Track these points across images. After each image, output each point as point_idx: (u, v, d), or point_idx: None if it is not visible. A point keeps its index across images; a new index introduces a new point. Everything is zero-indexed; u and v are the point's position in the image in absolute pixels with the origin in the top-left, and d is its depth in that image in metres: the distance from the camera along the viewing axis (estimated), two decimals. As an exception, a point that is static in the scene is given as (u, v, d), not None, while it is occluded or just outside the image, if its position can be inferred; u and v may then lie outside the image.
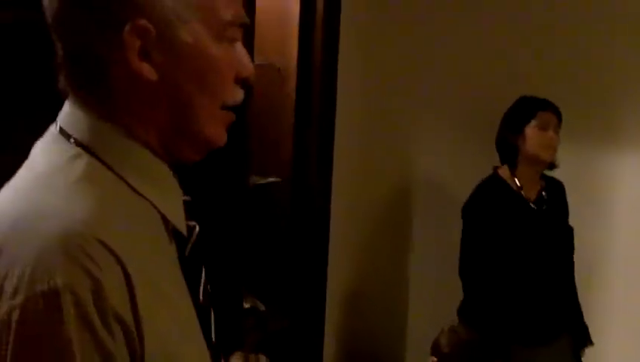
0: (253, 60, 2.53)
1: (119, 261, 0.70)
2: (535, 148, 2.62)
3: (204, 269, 0.87)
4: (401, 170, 3.54)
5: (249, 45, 2.43)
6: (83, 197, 0.73)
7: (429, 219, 3.48)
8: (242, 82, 0.86)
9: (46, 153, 0.80)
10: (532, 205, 2.67)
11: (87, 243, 0.69)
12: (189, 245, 0.84)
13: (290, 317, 2.86)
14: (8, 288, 0.68)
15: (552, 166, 2.72)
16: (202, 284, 0.87)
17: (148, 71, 0.78)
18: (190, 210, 0.84)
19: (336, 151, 3.03)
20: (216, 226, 2.29)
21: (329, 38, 2.91)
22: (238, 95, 0.86)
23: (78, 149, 0.77)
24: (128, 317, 0.70)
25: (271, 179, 2.82)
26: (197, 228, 0.84)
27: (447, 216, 3.35)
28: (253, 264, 2.78)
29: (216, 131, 0.85)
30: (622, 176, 3.14)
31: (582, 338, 2.78)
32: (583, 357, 2.80)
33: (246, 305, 2.66)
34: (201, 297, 0.86)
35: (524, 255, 2.64)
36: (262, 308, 2.73)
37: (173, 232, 0.82)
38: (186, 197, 0.83)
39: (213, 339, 0.89)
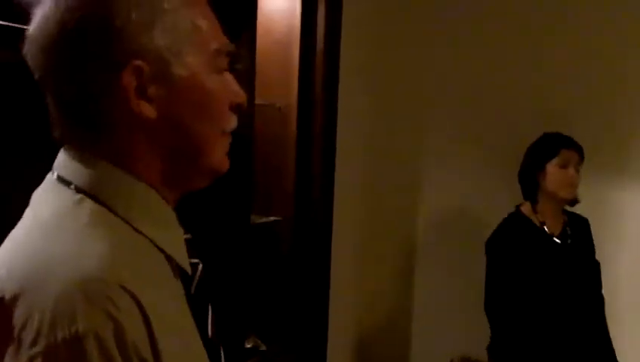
0: (254, 101, 2.56)
1: (138, 303, 0.71)
2: (555, 186, 2.64)
3: (210, 306, 0.87)
4: (406, 208, 3.55)
5: (250, 86, 2.46)
6: (94, 240, 0.74)
7: (434, 259, 3.48)
8: (236, 108, 0.89)
9: (49, 200, 0.80)
10: (556, 239, 2.68)
11: (107, 287, 0.70)
12: (194, 282, 0.85)
13: (292, 357, 2.84)
14: (27, 337, 0.68)
15: (574, 202, 2.73)
16: (210, 320, 0.89)
17: (147, 109, 0.79)
18: (193, 248, 0.85)
19: (338, 189, 3.04)
20: (218, 265, 2.29)
21: (329, 76, 2.94)
22: (233, 121, 0.89)
23: (81, 195, 0.78)
24: (149, 356, 0.71)
25: (272, 218, 2.83)
26: (200, 266, 0.85)
27: (453, 257, 3.36)
28: (255, 303, 2.77)
29: (220, 157, 0.87)
30: (629, 202, 3.14)
31: None
32: None
33: (248, 345, 2.65)
34: (209, 333, 0.88)
35: (550, 289, 2.61)
36: (263, 347, 2.72)
37: (178, 270, 0.83)
38: (188, 235, 0.84)
39: None
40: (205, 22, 0.84)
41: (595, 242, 2.81)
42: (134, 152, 0.81)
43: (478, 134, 3.33)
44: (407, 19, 3.44)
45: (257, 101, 2.61)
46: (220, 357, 0.89)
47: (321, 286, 2.99)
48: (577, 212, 2.81)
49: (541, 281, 2.62)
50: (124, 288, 0.70)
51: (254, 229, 2.62)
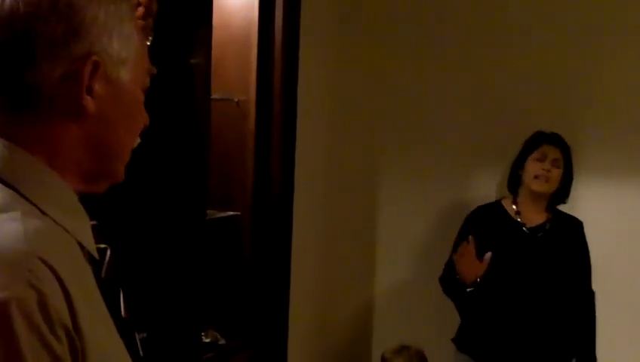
0: (210, 95, 2.55)
1: (57, 276, 0.74)
2: (528, 178, 2.70)
3: (121, 290, 0.89)
4: (367, 200, 3.56)
5: (206, 80, 2.46)
6: (7, 221, 0.76)
7: (395, 253, 3.50)
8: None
9: None
10: (525, 229, 2.71)
11: (26, 259, 0.73)
12: (104, 267, 0.86)
13: (252, 350, 2.84)
14: None
15: (560, 198, 2.75)
16: (122, 303, 0.91)
17: (90, 103, 0.83)
18: (99, 234, 0.86)
19: (298, 184, 3.04)
20: (173, 259, 2.29)
21: (288, 70, 2.94)
22: (138, 140, 0.95)
23: None
24: (70, 325, 0.74)
25: (231, 213, 2.82)
26: (109, 251, 0.86)
27: (414, 250, 3.39)
28: (214, 298, 2.77)
29: (123, 169, 0.92)
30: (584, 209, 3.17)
31: None
32: None
33: (206, 340, 2.64)
34: (123, 313, 0.91)
35: (511, 279, 2.65)
36: (222, 341, 2.71)
37: (88, 256, 0.85)
38: (94, 222, 0.86)
39: (141, 353, 0.93)
40: (144, 44, 0.94)
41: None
42: (58, 142, 0.83)
43: (436, 125, 3.37)
44: (367, 14, 3.46)
45: (214, 95, 2.61)
46: (135, 339, 0.89)
47: (282, 281, 2.99)
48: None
49: (502, 267, 2.64)
50: (43, 261, 0.73)
51: (212, 224, 2.61)
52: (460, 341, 2.81)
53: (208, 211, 2.54)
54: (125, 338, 0.87)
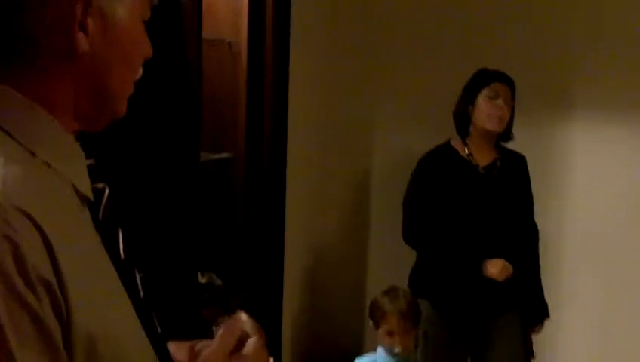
0: (202, 36, 2.51)
1: (37, 226, 0.69)
2: (483, 117, 2.66)
3: (120, 231, 0.88)
4: (360, 146, 3.56)
5: (197, 20, 2.42)
6: None
7: (390, 195, 3.50)
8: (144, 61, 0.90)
9: None
10: (480, 170, 2.70)
11: (3, 210, 0.68)
12: (101, 207, 0.85)
13: (248, 291, 2.87)
14: None
15: (506, 137, 2.74)
16: (122, 245, 0.87)
17: (83, 42, 0.78)
18: (97, 173, 0.85)
19: (291, 125, 3.03)
20: (167, 201, 2.29)
21: (280, 10, 2.90)
22: (140, 72, 0.90)
23: None
24: (51, 279, 0.69)
25: (224, 155, 2.82)
26: (107, 191, 0.85)
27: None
28: (210, 240, 2.79)
29: (124, 104, 0.88)
30: (576, 152, 3.20)
31: (536, 314, 2.80)
32: (537, 332, 2.83)
33: (202, 280, 2.67)
34: (122, 254, 0.87)
35: (470, 219, 2.67)
36: (218, 282, 2.74)
37: (84, 197, 0.83)
38: (90, 161, 0.84)
39: (141, 294, 0.89)
40: None
41: (541, 180, 2.84)
42: (53, 87, 0.79)
43: (432, 74, 3.34)
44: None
45: (206, 36, 2.57)
46: (135, 279, 0.88)
47: (276, 222, 3.01)
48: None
49: (460, 208, 2.66)
50: (22, 211, 0.69)
51: (205, 166, 2.61)
52: (415, 286, 2.81)
53: (201, 153, 2.54)
54: (125, 279, 0.84)
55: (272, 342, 2.99)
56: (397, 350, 2.41)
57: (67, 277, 0.70)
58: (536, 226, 2.82)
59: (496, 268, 2.60)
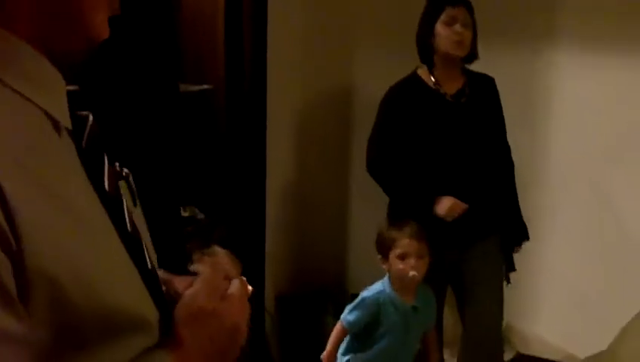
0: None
1: None
2: (444, 44, 2.61)
3: (106, 157, 0.83)
4: (340, 73, 3.51)
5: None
6: None
7: (369, 118, 3.48)
8: None
9: None
10: (449, 98, 2.68)
11: None
12: (85, 135, 0.81)
13: (230, 224, 2.88)
14: None
15: (470, 59, 2.70)
16: (106, 172, 0.83)
17: None
18: (81, 100, 0.81)
19: (271, 56, 2.97)
20: (147, 133, 2.26)
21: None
22: None
23: None
24: (3, 223, 0.64)
25: (204, 87, 2.78)
26: (91, 118, 0.81)
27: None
28: (191, 173, 2.77)
29: (100, 22, 0.79)
30: (559, 76, 3.18)
31: (516, 236, 2.81)
32: (517, 253, 2.83)
33: (184, 214, 2.67)
34: (107, 187, 0.82)
35: (439, 148, 2.64)
36: (200, 216, 2.74)
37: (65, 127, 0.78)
38: (73, 87, 0.79)
39: (129, 227, 0.84)
40: None
41: (508, 108, 2.82)
42: (10, 5, 0.73)
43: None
44: None
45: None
46: (123, 211, 0.84)
47: (258, 155, 2.99)
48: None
49: (430, 139, 2.63)
50: None
51: (185, 97, 2.57)
52: (394, 219, 2.79)
53: (181, 85, 2.50)
54: (110, 210, 0.80)
55: (254, 275, 3.01)
56: (412, 273, 2.29)
57: (20, 214, 0.65)
58: (509, 148, 2.79)
59: (442, 208, 2.59)
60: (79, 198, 0.76)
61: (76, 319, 0.71)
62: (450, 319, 3.07)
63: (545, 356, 3.37)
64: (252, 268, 2.98)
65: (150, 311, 0.84)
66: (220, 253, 0.93)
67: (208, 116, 2.86)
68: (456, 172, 2.64)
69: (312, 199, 3.52)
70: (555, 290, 3.34)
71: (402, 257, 2.32)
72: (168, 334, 0.84)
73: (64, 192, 0.73)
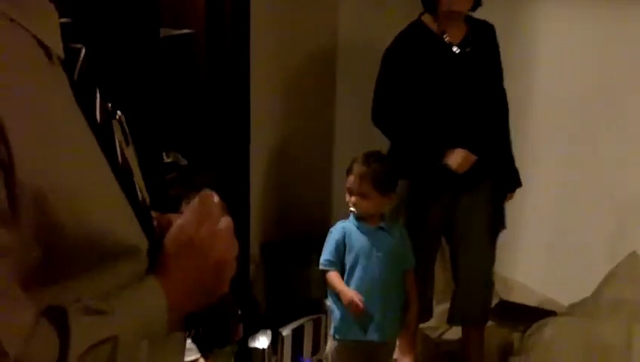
0: None
1: None
2: (447, 3, 2.58)
3: (97, 91, 0.84)
4: (326, 20, 3.46)
5: None
6: None
7: (354, 71, 3.46)
8: None
9: None
10: (454, 48, 2.66)
11: None
12: (77, 68, 0.80)
13: (213, 171, 2.85)
14: None
15: (476, 6, 2.67)
16: (98, 105, 0.84)
17: None
18: (74, 32, 0.79)
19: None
20: (127, 78, 2.22)
21: None
22: None
23: None
24: None
25: (185, 31, 2.72)
26: (83, 50, 0.80)
27: (373, 66, 3.32)
28: (173, 118, 2.73)
29: None
30: (542, 26, 3.17)
31: (509, 182, 2.84)
32: (509, 200, 2.87)
33: (167, 160, 2.64)
34: (98, 118, 0.83)
35: (445, 98, 2.65)
36: (183, 162, 2.71)
37: (58, 59, 0.78)
38: (65, 20, 0.78)
39: (120, 160, 0.86)
40: None
41: (503, 55, 2.80)
42: None
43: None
44: None
45: None
46: (114, 143, 0.85)
47: (241, 100, 2.95)
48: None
49: (435, 89, 2.64)
50: None
51: (166, 42, 2.51)
52: (402, 166, 2.81)
53: (162, 29, 2.44)
54: (101, 141, 0.82)
55: (238, 223, 3.01)
56: (351, 209, 2.43)
57: (10, 128, 0.67)
58: (505, 95, 2.81)
59: (454, 161, 2.62)
60: (69, 124, 0.78)
61: (64, 240, 0.73)
62: (442, 278, 3.11)
63: (527, 302, 3.44)
64: (236, 215, 2.96)
65: (139, 239, 0.87)
66: (209, 193, 0.93)
67: (189, 61, 2.80)
68: (460, 119, 2.65)
69: (296, 146, 3.51)
70: (537, 238, 3.39)
71: (349, 192, 2.44)
72: (157, 262, 0.87)
73: (54, 116, 0.75)
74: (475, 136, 2.69)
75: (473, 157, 2.65)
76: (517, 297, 3.40)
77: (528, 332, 3.11)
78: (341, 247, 2.45)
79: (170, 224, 0.92)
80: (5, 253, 0.68)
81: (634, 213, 3.15)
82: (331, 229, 2.51)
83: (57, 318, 0.71)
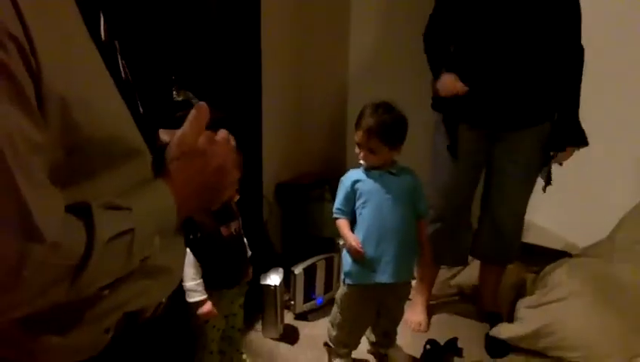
0: None
1: None
2: None
3: (102, 14, 0.91)
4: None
5: None
6: None
7: (368, 14, 3.40)
8: None
9: None
10: None
11: None
12: None
13: (226, 109, 2.85)
14: None
15: None
16: (102, 25, 0.91)
17: None
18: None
19: None
20: (138, 14, 2.21)
21: None
22: None
23: None
24: (21, 37, 0.73)
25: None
26: None
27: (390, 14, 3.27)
28: (185, 58, 2.73)
29: None
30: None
31: (572, 136, 2.70)
32: (568, 156, 2.75)
33: (178, 98, 2.64)
34: (102, 36, 0.90)
35: (496, 32, 2.54)
36: (195, 101, 2.71)
37: None
38: None
39: (123, 75, 0.94)
40: None
41: None
42: None
43: None
44: None
45: None
46: (117, 60, 0.93)
47: (253, 41, 2.93)
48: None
49: (486, 20, 2.54)
50: None
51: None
52: (435, 99, 2.77)
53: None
54: (106, 58, 0.89)
55: (252, 162, 3.02)
56: (360, 161, 2.42)
57: (37, 39, 0.75)
58: (581, 51, 2.65)
59: (440, 83, 2.58)
60: (82, 38, 0.86)
61: (82, 141, 0.82)
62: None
63: (543, 244, 3.42)
64: (249, 155, 2.98)
65: (144, 146, 0.95)
66: (204, 105, 1.00)
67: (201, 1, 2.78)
68: (510, 55, 2.55)
69: (310, 85, 3.49)
70: (554, 180, 3.35)
71: (358, 146, 2.42)
72: (161, 168, 0.95)
73: (69, 29, 0.83)
74: (522, 73, 2.57)
75: (460, 86, 2.57)
76: (533, 239, 3.39)
77: (542, 273, 3.10)
78: (351, 195, 2.44)
79: (171, 136, 0.99)
80: (40, 150, 0.76)
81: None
82: (342, 179, 2.49)
83: (82, 212, 0.80)
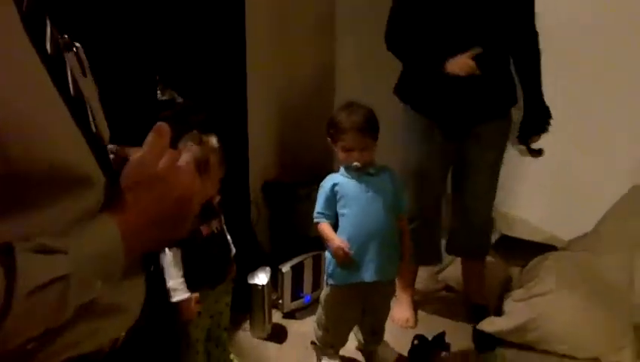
0: None
1: None
2: None
3: (48, 20, 0.83)
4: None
5: None
6: None
7: (353, 18, 3.39)
8: None
9: None
10: None
11: None
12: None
13: (211, 107, 2.84)
14: None
15: None
16: (48, 36, 0.82)
17: None
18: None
19: None
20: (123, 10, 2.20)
21: None
22: None
23: None
24: None
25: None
26: None
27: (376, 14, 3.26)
28: (169, 57, 2.72)
29: None
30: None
31: (534, 124, 2.79)
32: (533, 142, 2.83)
33: (163, 97, 2.63)
34: (49, 49, 0.82)
35: (460, 24, 2.58)
36: (179, 100, 2.71)
37: None
38: None
39: (72, 91, 0.85)
40: None
41: None
42: None
43: None
44: None
45: None
46: (65, 74, 0.84)
47: (237, 36, 2.92)
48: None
49: (450, 12, 2.57)
50: None
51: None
52: (402, 91, 2.81)
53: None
54: (52, 73, 0.80)
55: (238, 161, 3.01)
56: (355, 164, 2.39)
57: None
58: (535, 36, 2.72)
59: (456, 64, 2.55)
60: (18, 55, 0.75)
61: (16, 172, 0.71)
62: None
63: (528, 238, 3.44)
64: (235, 154, 2.97)
65: (94, 172, 0.84)
66: (164, 125, 0.89)
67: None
68: (467, 46, 2.56)
69: (296, 83, 3.47)
70: (539, 173, 3.36)
71: (347, 150, 2.38)
72: (113, 198, 0.83)
73: (4, 47, 0.73)
74: (486, 67, 2.58)
75: (472, 63, 2.54)
76: (518, 232, 3.41)
77: (527, 266, 3.12)
78: (331, 198, 2.44)
79: (127, 158, 0.88)
80: None
81: (636, 148, 3.12)
82: (321, 183, 2.48)
83: (4, 255, 0.70)
